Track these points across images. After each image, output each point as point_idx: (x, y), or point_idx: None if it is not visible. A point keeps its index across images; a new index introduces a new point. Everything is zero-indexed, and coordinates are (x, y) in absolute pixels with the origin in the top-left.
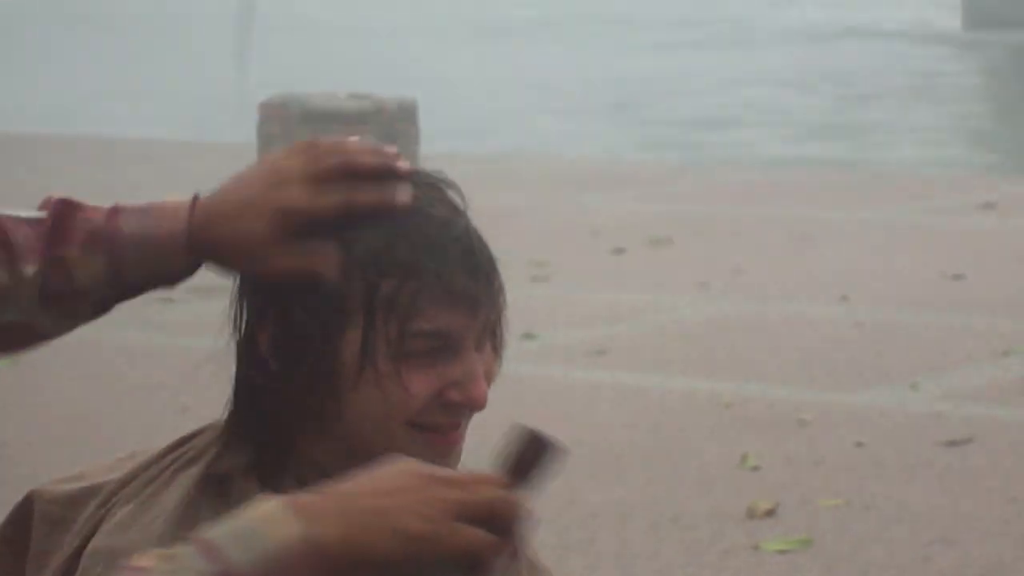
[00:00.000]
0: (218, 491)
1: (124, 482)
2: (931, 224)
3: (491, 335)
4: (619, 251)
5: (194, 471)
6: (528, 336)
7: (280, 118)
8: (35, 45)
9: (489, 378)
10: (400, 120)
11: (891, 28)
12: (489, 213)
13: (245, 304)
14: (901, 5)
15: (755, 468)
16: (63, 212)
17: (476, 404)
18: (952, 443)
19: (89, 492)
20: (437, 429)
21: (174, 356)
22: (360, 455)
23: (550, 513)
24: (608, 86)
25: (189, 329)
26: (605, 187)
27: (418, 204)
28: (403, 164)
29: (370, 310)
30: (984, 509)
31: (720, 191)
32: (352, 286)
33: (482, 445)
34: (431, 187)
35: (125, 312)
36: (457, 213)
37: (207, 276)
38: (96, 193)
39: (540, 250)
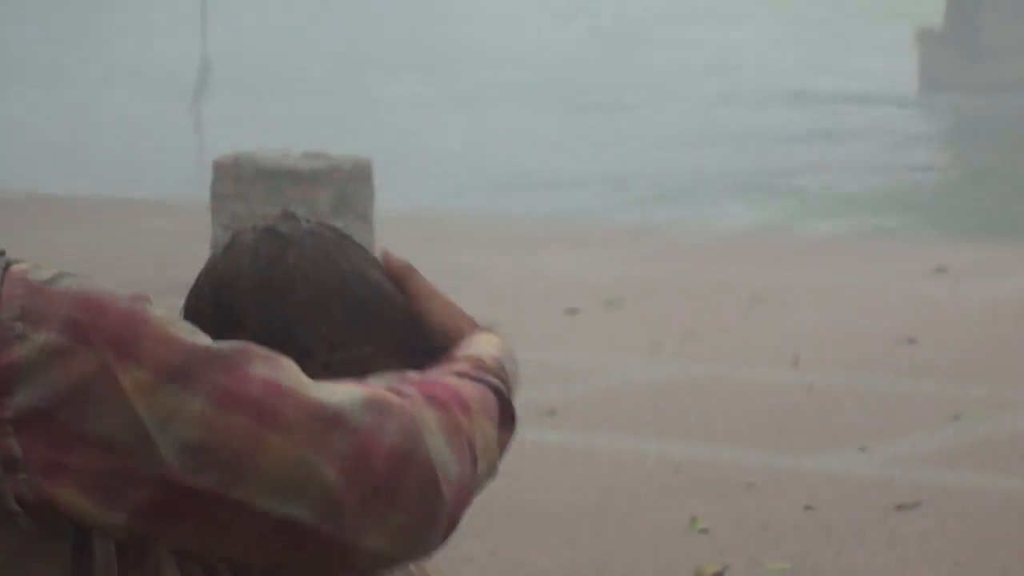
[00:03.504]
0: None
1: None
2: (883, 288)
3: None
4: (572, 312)
5: None
6: None
7: (234, 177)
8: None
9: None
10: (354, 180)
11: (848, 90)
12: (443, 273)
13: None
14: (857, 67)
15: (704, 531)
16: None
17: None
18: (901, 507)
19: None
20: None
21: None
22: None
23: (498, 574)
24: (557, 150)
25: None
26: (559, 248)
27: (352, 284)
28: None
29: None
30: (931, 574)
31: (673, 254)
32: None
33: None
34: (373, 265)
35: None
36: (390, 291)
37: None
38: (50, 252)
39: (493, 310)
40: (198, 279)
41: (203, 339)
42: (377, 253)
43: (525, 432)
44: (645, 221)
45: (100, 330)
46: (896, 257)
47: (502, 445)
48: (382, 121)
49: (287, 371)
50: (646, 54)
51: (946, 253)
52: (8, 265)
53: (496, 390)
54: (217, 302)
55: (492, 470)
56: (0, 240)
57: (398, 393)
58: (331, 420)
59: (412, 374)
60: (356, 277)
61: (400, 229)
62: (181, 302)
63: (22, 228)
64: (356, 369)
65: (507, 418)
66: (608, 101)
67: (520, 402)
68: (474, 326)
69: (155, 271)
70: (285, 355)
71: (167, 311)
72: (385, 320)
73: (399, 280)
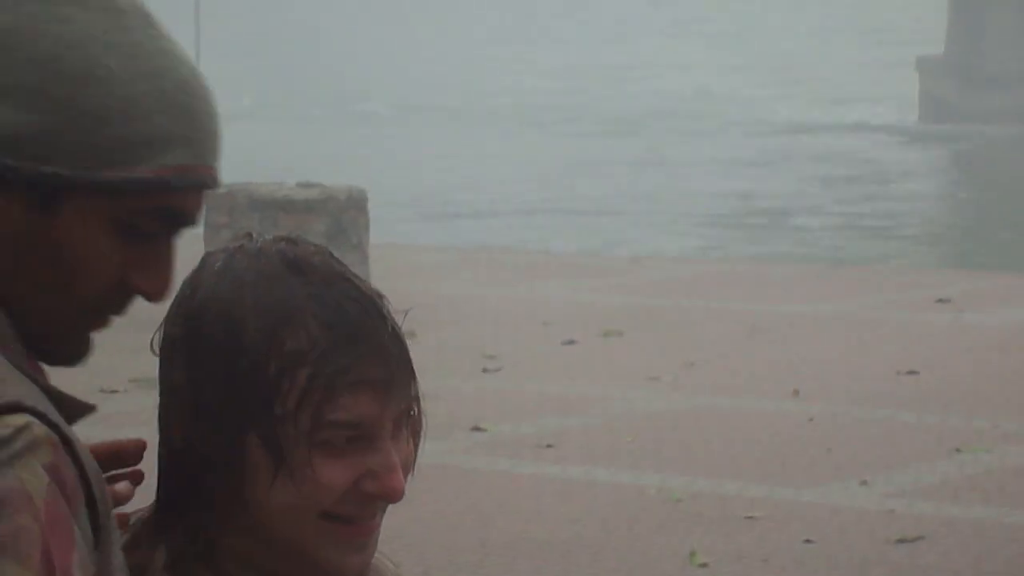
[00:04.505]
0: None
1: None
2: (885, 319)
3: (407, 423)
4: (570, 343)
5: None
6: (477, 428)
7: (228, 207)
8: None
9: (406, 468)
10: (349, 209)
11: (848, 121)
12: (440, 303)
13: (163, 399)
14: (857, 100)
15: (703, 565)
16: None
17: (392, 496)
18: (903, 540)
19: None
20: (352, 521)
21: None
22: (279, 546)
23: None
24: (559, 176)
25: (132, 421)
26: (557, 278)
27: (331, 294)
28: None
29: (284, 401)
30: None
31: (672, 283)
32: (265, 376)
33: (427, 540)
34: (344, 279)
35: None
36: (369, 302)
37: (151, 367)
38: None
39: (491, 341)
40: (176, 307)
41: None
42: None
43: (523, 465)
44: (642, 250)
45: None
46: (898, 287)
47: None
48: (379, 147)
49: None
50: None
51: (948, 283)
52: None
53: None
54: (213, 321)
55: None
56: None
57: None
58: None
59: None
60: (346, 288)
61: (395, 259)
62: None
63: None
64: (341, 379)
65: None
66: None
67: (518, 435)
68: None
69: (144, 302)
70: (276, 364)
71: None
72: (369, 334)
73: None
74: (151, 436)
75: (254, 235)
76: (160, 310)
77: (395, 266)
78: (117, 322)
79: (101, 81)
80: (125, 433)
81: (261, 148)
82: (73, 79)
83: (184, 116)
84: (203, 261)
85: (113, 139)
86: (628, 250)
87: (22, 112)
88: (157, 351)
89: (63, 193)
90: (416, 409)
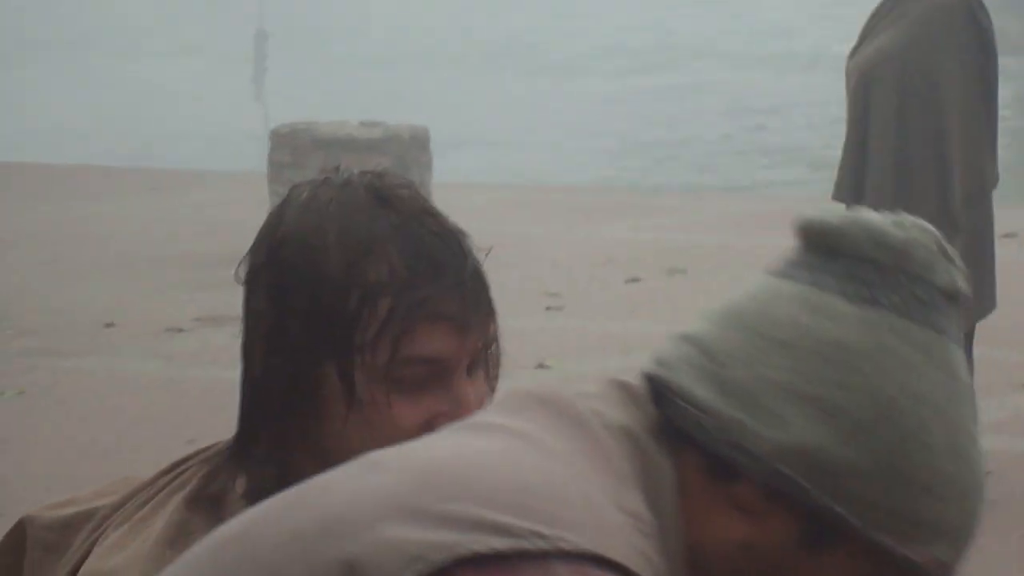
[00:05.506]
0: (209, 512)
1: (117, 506)
2: None
3: (483, 362)
4: (634, 280)
5: (186, 493)
6: (541, 366)
7: (291, 146)
8: (45, 69)
9: (480, 407)
10: (412, 148)
11: None
12: (502, 242)
13: (246, 328)
14: None
15: None
16: None
17: None
18: None
19: (83, 516)
20: None
21: (181, 387)
22: None
23: None
24: (619, 114)
25: (198, 360)
26: (620, 216)
27: (414, 228)
28: None
29: (363, 332)
30: (1001, 545)
31: (736, 220)
32: (346, 306)
33: None
34: (429, 214)
35: (131, 342)
36: (452, 238)
37: (216, 305)
38: (103, 224)
39: (554, 280)
40: (261, 237)
41: None
42: None
43: None
44: (706, 187)
45: None
46: None
47: None
48: (435, 88)
49: None
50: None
51: (1015, 218)
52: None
53: None
54: (296, 250)
55: None
56: (51, 211)
57: None
58: None
59: None
60: (430, 223)
61: (458, 198)
62: (231, 272)
63: (75, 199)
64: (420, 312)
65: None
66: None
67: (582, 372)
68: None
69: (209, 242)
70: (357, 294)
71: None
72: (450, 270)
73: None
74: (216, 374)
75: (341, 168)
76: (222, 248)
77: (457, 205)
78: (182, 261)
79: (923, 447)
80: (192, 372)
81: (324, 87)
82: (899, 430)
83: (972, 516)
84: (289, 193)
85: (907, 508)
86: (695, 187)
87: (837, 438)
88: (242, 280)
89: (838, 538)
90: (494, 349)
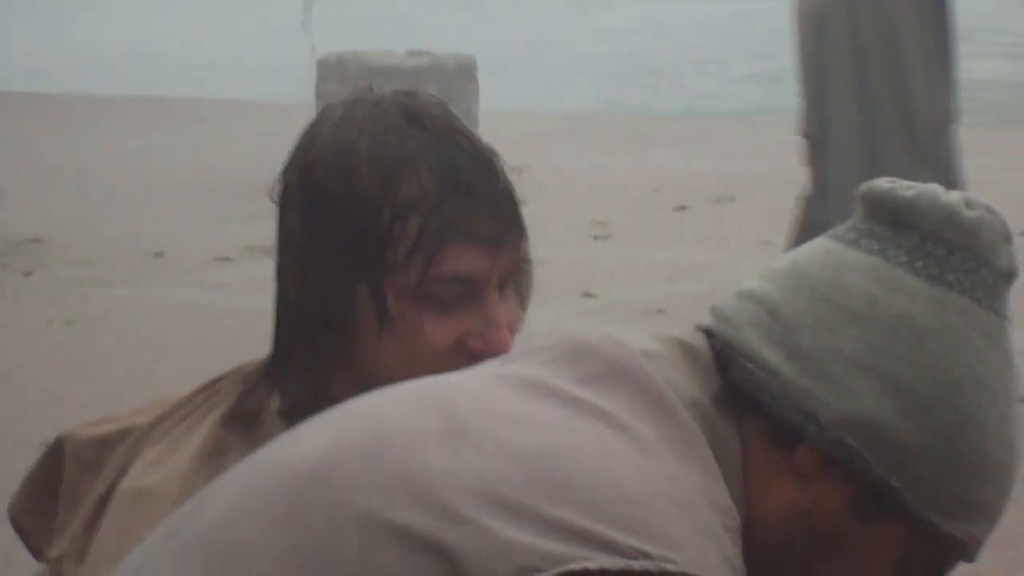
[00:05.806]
0: (245, 429)
1: (154, 423)
2: (1003, 181)
3: (514, 282)
4: (681, 209)
5: (223, 411)
6: (587, 295)
7: (338, 75)
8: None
9: (512, 328)
10: (459, 77)
11: None
12: (549, 172)
13: (280, 248)
14: None
15: None
16: None
17: (497, 352)
18: None
19: (120, 434)
20: None
21: (230, 316)
22: None
23: None
24: (666, 45)
25: (246, 289)
26: (667, 144)
27: (446, 147)
28: None
29: (395, 250)
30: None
31: (783, 148)
32: (377, 224)
33: None
34: (460, 133)
35: (181, 272)
36: (483, 157)
37: (264, 235)
38: (152, 155)
39: (601, 208)
40: (293, 156)
41: None
42: None
43: (634, 331)
44: (755, 115)
45: None
46: (1019, 148)
47: None
48: (485, 17)
49: None
50: None
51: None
52: None
53: None
54: (328, 170)
55: None
56: (104, 143)
57: None
58: None
59: None
60: (462, 142)
61: (505, 127)
62: None
63: (123, 130)
64: (451, 231)
65: None
66: None
67: (629, 301)
68: None
69: (256, 171)
70: (389, 212)
71: None
72: (481, 189)
73: None
74: (264, 303)
75: (373, 88)
76: (269, 178)
77: (505, 135)
78: (230, 191)
79: (979, 431)
80: (240, 301)
81: (368, 15)
82: (960, 412)
83: (1007, 496)
84: (322, 112)
85: (957, 488)
86: (741, 112)
87: (900, 414)
88: (276, 200)
89: (889, 511)
90: (525, 268)
